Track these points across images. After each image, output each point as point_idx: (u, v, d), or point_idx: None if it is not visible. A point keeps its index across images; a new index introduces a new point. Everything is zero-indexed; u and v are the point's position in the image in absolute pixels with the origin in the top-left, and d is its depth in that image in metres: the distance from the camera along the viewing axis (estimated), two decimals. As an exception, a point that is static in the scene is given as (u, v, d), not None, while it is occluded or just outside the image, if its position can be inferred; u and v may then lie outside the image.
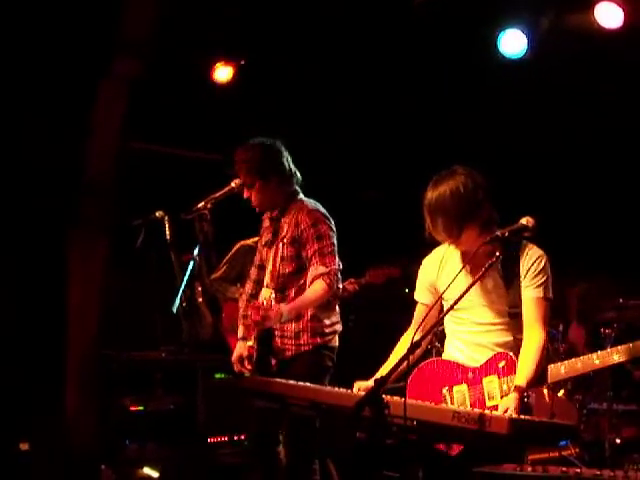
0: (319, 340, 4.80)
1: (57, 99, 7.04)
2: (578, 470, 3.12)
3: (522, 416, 3.47)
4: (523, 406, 3.64)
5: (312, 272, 4.72)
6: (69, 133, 7.12)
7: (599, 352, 3.66)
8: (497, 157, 7.09)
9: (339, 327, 4.95)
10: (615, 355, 3.62)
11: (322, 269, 4.68)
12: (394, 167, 7.94)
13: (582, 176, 7.32)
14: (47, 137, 7.09)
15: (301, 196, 4.91)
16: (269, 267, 4.90)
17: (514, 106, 7.36)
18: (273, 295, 4.75)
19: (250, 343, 4.82)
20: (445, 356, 4.11)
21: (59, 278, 7.25)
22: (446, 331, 4.16)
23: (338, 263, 4.76)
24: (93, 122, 7.28)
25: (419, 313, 4.15)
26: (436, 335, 4.87)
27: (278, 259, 4.83)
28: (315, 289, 4.68)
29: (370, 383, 3.91)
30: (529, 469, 3.10)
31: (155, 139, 7.36)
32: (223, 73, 7.27)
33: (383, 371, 3.87)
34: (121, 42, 7.11)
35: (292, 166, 4.90)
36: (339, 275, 4.76)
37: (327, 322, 4.85)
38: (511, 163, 7.21)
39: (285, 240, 4.81)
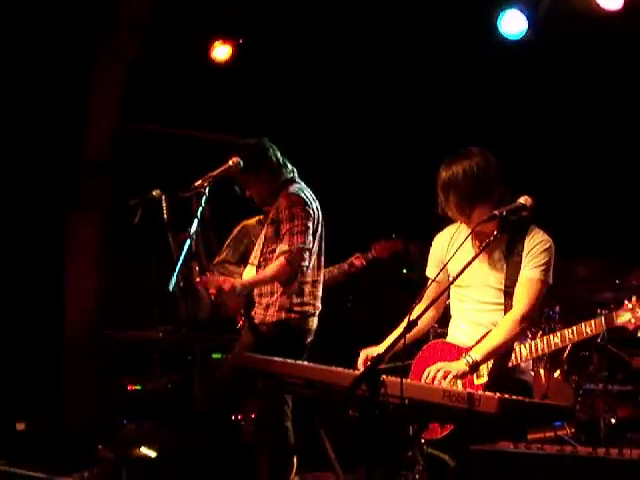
0: (284, 315, 4.98)
1: (56, 77, 7.04)
2: (573, 448, 3.13)
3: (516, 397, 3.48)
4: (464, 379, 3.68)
5: (278, 249, 4.94)
6: (68, 112, 7.13)
7: (574, 327, 3.66)
8: (499, 138, 7.07)
9: (310, 309, 5.07)
10: (587, 328, 3.63)
11: (284, 247, 4.89)
12: (393, 147, 7.92)
13: (584, 156, 7.30)
14: (46, 116, 7.10)
15: (292, 184, 5.11)
16: (256, 247, 5.21)
17: (514, 86, 7.35)
18: (254, 272, 5.08)
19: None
20: (448, 338, 4.13)
21: (57, 257, 7.28)
22: (452, 312, 4.18)
23: (308, 242, 4.90)
24: (92, 101, 7.30)
25: (430, 290, 4.11)
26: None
27: (263, 239, 5.11)
28: (274, 265, 4.90)
29: (376, 349, 3.95)
30: (524, 447, 3.10)
31: (153, 118, 7.34)
32: (221, 52, 7.25)
33: (381, 348, 3.91)
34: (120, 19, 7.12)
35: (280, 158, 5.14)
36: (304, 254, 4.89)
37: (296, 300, 5.00)
38: (512, 144, 7.17)
39: (269, 221, 5.07)
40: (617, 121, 7.21)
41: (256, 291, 5.08)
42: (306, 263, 4.93)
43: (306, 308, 5.04)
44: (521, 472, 3.06)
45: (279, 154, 5.15)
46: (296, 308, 5.01)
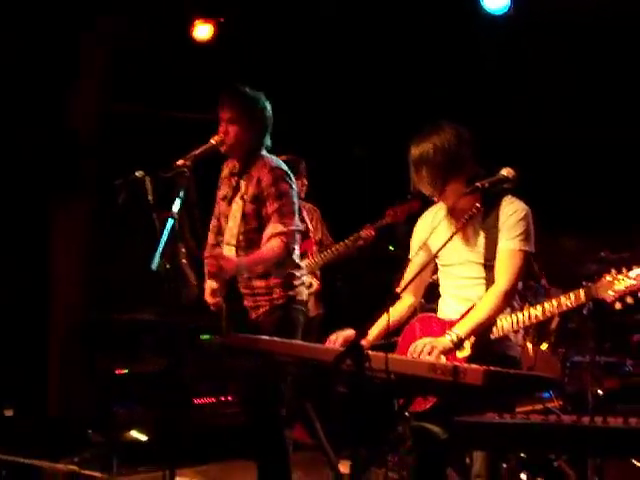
0: (290, 292, 4.85)
1: (39, 61, 7.00)
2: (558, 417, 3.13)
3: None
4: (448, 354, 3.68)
5: (270, 230, 4.75)
6: (52, 96, 7.09)
7: (554, 300, 3.67)
8: (481, 113, 7.07)
9: (306, 279, 5.06)
10: (567, 301, 3.64)
11: (280, 227, 4.72)
12: (381, 123, 7.90)
13: (568, 129, 7.30)
14: (29, 101, 7.06)
15: (264, 152, 4.94)
16: (229, 224, 4.93)
17: (498, 61, 7.34)
18: (234, 253, 4.84)
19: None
20: (439, 314, 4.13)
21: (42, 240, 7.24)
22: (440, 290, 4.17)
23: (296, 223, 4.81)
24: (76, 84, 7.25)
25: (411, 271, 4.12)
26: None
27: (239, 216, 4.86)
28: (272, 246, 4.72)
29: (345, 332, 3.95)
30: (510, 418, 3.10)
31: (136, 99, 7.31)
32: (203, 31, 7.22)
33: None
34: (103, 1, 7.07)
35: (271, 124, 4.96)
36: (296, 236, 4.82)
37: (297, 274, 4.91)
38: (495, 118, 7.17)
39: (246, 197, 4.84)
40: (598, 93, 7.20)
41: (244, 275, 4.88)
42: (297, 245, 4.88)
43: (304, 279, 4.98)
44: (506, 442, 3.07)
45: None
46: (297, 282, 4.90)
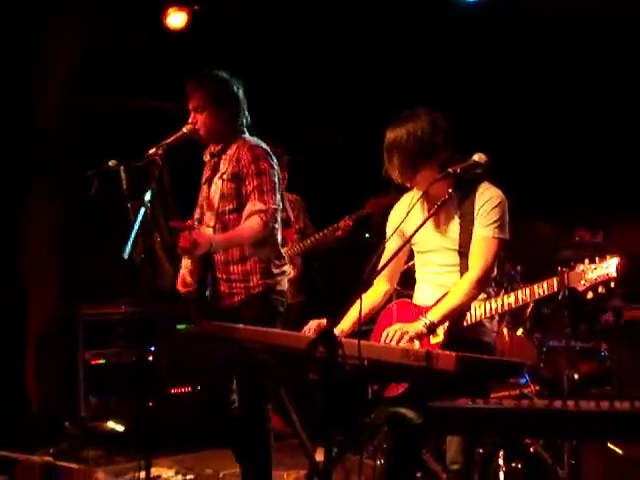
0: (269, 281, 4.74)
1: (5, 50, 6.92)
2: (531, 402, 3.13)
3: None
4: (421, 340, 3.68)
5: (249, 208, 4.63)
6: (20, 86, 7.02)
7: (527, 288, 3.68)
8: (459, 99, 7.06)
9: (287, 269, 4.92)
10: (540, 289, 3.64)
11: (260, 205, 4.60)
12: (356, 111, 7.89)
13: (544, 116, 7.31)
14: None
15: (245, 134, 4.84)
16: (208, 204, 4.83)
17: (472, 47, 7.34)
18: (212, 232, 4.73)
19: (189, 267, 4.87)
20: (414, 300, 4.12)
21: (15, 232, 7.18)
22: (416, 276, 4.17)
23: (277, 202, 4.69)
24: (44, 74, 7.18)
25: (386, 258, 4.09)
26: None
27: (217, 196, 4.75)
28: (251, 224, 4.59)
29: (320, 320, 3.94)
30: (483, 403, 3.10)
31: (110, 88, 7.26)
32: (176, 19, 7.16)
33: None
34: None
35: (245, 105, 4.86)
36: (277, 215, 4.70)
37: (276, 262, 4.79)
38: (471, 105, 7.17)
39: (225, 176, 4.73)
40: (575, 79, 7.21)
41: (221, 259, 4.77)
42: (277, 225, 4.75)
43: (285, 268, 4.85)
44: (479, 426, 3.07)
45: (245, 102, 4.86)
46: (276, 270, 4.77)
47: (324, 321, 3.91)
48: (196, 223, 4.94)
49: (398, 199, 5.95)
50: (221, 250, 4.68)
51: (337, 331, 3.81)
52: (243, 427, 4.76)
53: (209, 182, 4.86)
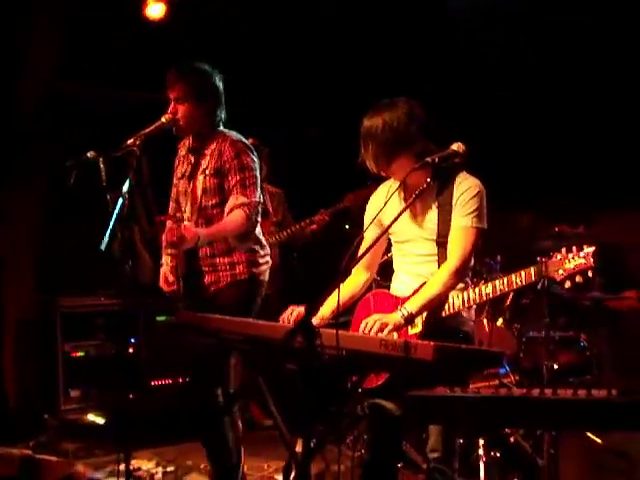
0: (255, 270, 4.81)
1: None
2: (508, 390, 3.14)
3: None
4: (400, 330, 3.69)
5: (232, 201, 4.66)
6: (3, 70, 6.96)
7: (504, 277, 3.67)
8: (441, 93, 7.07)
9: (269, 259, 4.96)
10: (517, 279, 3.64)
11: (243, 199, 4.64)
12: (334, 104, 7.88)
13: (524, 105, 7.32)
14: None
15: (222, 128, 4.85)
16: (190, 200, 4.84)
17: (453, 40, 7.35)
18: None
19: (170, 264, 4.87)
20: (392, 291, 4.11)
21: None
22: (394, 266, 4.16)
23: (259, 196, 4.73)
24: (26, 63, 7.14)
25: (363, 247, 4.06)
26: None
27: (199, 191, 4.77)
28: (234, 218, 4.62)
29: (293, 311, 3.92)
30: (461, 392, 3.10)
31: (90, 79, 7.22)
32: (155, 9, 7.13)
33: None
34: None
35: (223, 98, 4.86)
36: (259, 208, 4.74)
37: (261, 252, 4.85)
38: (454, 98, 7.17)
39: (207, 172, 4.75)
40: (558, 73, 7.22)
41: (206, 252, 4.79)
42: (259, 218, 4.80)
43: (268, 259, 4.91)
44: (457, 415, 3.07)
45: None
46: (261, 260, 4.84)
47: (302, 309, 3.90)
48: (178, 215, 4.96)
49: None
50: (206, 244, 4.70)
51: (317, 318, 3.82)
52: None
53: (190, 177, 4.86)
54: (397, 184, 3.97)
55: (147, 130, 4.59)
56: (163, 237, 4.99)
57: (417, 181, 3.83)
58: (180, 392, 6.75)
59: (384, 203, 3.90)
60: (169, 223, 4.92)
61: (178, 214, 4.93)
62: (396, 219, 3.66)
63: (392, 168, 3.89)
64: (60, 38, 7.10)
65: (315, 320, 3.79)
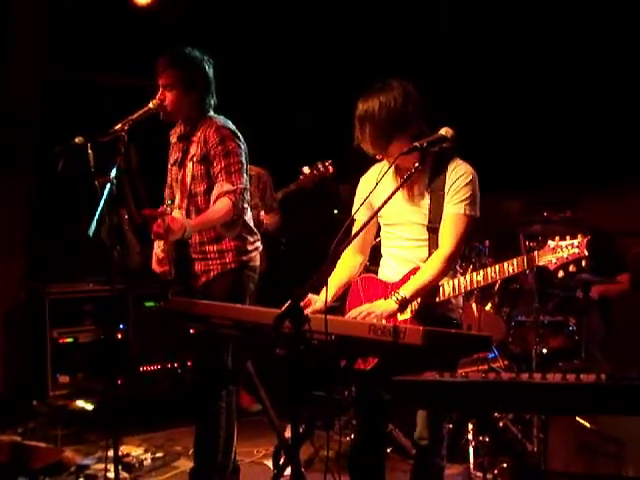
0: (244, 258, 4.80)
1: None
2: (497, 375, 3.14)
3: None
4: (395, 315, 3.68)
5: (217, 189, 4.66)
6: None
7: (496, 265, 3.66)
8: (426, 73, 7.04)
9: (260, 245, 4.95)
10: (510, 267, 3.63)
11: (228, 186, 4.63)
12: (326, 87, 7.85)
13: (514, 91, 7.31)
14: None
15: (211, 113, 4.85)
16: (179, 187, 4.86)
17: (442, 19, 7.35)
18: (184, 216, 4.74)
19: (161, 247, 4.88)
20: (379, 275, 4.10)
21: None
22: (382, 251, 4.14)
23: (245, 182, 4.72)
24: (13, 49, 7.09)
25: (355, 230, 4.02)
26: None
27: (188, 178, 4.78)
28: (220, 206, 4.62)
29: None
30: (450, 376, 3.10)
31: (75, 64, 7.18)
32: (143, -5, 7.10)
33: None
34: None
35: (213, 86, 4.85)
36: (245, 194, 4.73)
37: (250, 239, 4.85)
38: (438, 79, 7.14)
39: (195, 158, 4.76)
40: (544, 53, 7.21)
41: (195, 240, 4.80)
42: (246, 204, 4.80)
43: (258, 244, 4.91)
44: (446, 400, 3.07)
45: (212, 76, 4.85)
46: (251, 247, 4.84)
47: (312, 296, 3.89)
48: (169, 202, 4.97)
49: (329, 173, 5.94)
50: (193, 234, 4.69)
51: (319, 303, 3.81)
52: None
53: (180, 164, 4.88)
54: (387, 165, 3.95)
55: (135, 115, 4.58)
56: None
57: (408, 165, 3.82)
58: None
59: (375, 185, 3.87)
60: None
61: (169, 204, 4.92)
62: (386, 201, 3.63)
63: (390, 150, 3.85)
64: (46, 24, 7.06)
65: (318, 304, 3.81)
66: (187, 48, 4.84)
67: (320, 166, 5.95)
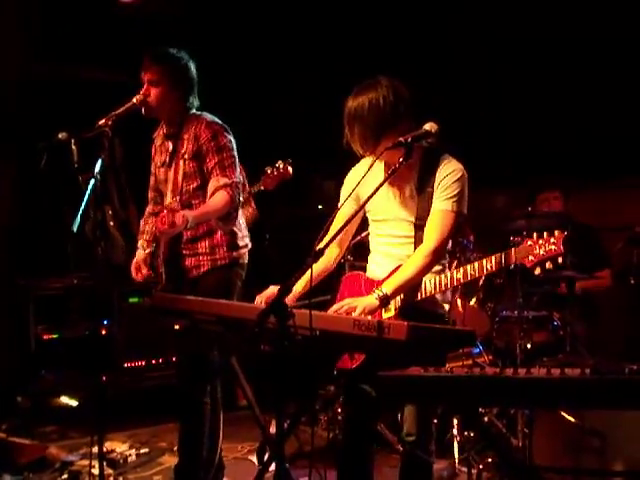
0: (235, 254, 4.82)
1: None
2: (482, 370, 3.14)
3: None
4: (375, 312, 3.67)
5: (213, 184, 4.66)
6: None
7: (475, 263, 3.67)
8: (413, 68, 7.04)
9: (249, 242, 4.96)
10: (488, 265, 3.64)
11: (224, 180, 4.63)
12: (309, 79, 7.85)
13: (500, 87, 7.32)
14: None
15: (195, 110, 4.85)
16: (170, 186, 4.84)
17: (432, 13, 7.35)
18: None
19: (146, 250, 4.90)
20: (367, 273, 4.09)
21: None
22: (370, 246, 4.14)
23: (238, 176, 4.73)
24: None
25: (338, 223, 3.98)
26: (349, 249, 4.90)
27: (180, 176, 4.77)
28: (218, 200, 4.62)
29: (269, 291, 3.91)
30: (434, 371, 3.10)
31: (60, 60, 7.15)
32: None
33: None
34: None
35: (196, 79, 4.85)
36: (240, 188, 4.73)
37: (240, 235, 4.86)
38: (427, 74, 7.14)
39: (186, 156, 4.75)
40: (534, 47, 7.21)
41: (187, 236, 4.78)
42: (241, 198, 4.79)
43: (247, 241, 4.93)
44: (431, 395, 3.07)
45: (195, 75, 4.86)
46: (241, 243, 4.86)
47: (272, 290, 3.88)
48: (153, 207, 5.01)
49: (288, 174, 5.91)
50: (193, 226, 4.64)
51: (290, 294, 3.79)
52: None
53: (169, 164, 4.86)
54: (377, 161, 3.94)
55: (118, 111, 4.56)
56: (141, 223, 5.04)
57: (395, 160, 3.80)
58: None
59: (362, 179, 3.84)
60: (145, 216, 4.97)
61: (158, 207, 4.94)
62: (371, 196, 3.62)
63: (379, 149, 3.83)
64: (30, 19, 7.02)
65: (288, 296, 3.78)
66: (170, 47, 4.84)
67: (280, 166, 5.90)
